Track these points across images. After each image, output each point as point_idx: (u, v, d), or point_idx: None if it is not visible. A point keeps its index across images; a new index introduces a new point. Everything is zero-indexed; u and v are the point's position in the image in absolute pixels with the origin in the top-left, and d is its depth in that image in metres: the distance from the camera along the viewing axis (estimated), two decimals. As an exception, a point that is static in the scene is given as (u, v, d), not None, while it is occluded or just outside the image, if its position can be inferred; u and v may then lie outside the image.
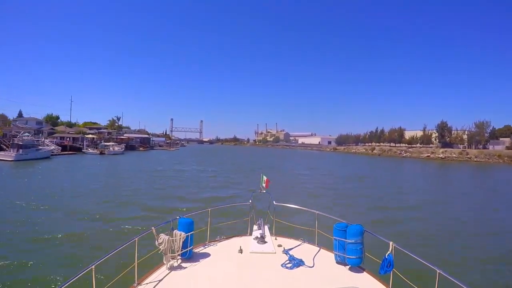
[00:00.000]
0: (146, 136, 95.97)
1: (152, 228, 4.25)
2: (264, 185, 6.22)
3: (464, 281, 3.12)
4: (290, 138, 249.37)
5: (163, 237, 4.28)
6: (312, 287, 3.76)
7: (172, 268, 4.20)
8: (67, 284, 2.92)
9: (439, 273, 3.31)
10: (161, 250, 4.25)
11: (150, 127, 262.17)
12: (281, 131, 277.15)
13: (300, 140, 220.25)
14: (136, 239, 4.03)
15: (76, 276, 3.02)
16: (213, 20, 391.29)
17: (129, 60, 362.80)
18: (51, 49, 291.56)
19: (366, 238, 4.34)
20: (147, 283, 3.78)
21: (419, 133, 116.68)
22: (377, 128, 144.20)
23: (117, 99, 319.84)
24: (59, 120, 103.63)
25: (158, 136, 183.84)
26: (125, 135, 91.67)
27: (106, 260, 3.51)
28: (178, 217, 4.71)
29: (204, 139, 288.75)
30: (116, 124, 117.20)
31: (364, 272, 4.25)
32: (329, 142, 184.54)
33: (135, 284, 3.78)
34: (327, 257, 4.77)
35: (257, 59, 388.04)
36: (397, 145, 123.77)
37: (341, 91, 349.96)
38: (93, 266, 3.24)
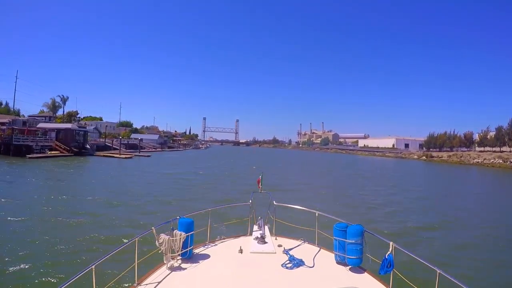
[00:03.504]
0: (74, 127, 50.12)
1: (152, 228, 4.19)
2: (261, 185, 6.23)
3: (464, 281, 3.09)
4: (340, 139, 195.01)
5: (163, 237, 4.23)
6: (312, 287, 3.74)
7: (172, 268, 4.14)
8: (67, 284, 2.87)
9: (439, 273, 3.30)
10: (161, 250, 4.20)
11: (179, 127, 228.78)
12: (328, 131, 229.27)
13: (362, 142, 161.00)
14: (136, 239, 4.00)
15: (76, 276, 2.98)
16: (253, 20, 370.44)
17: (166, 59, 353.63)
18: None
19: (367, 238, 4.32)
20: (147, 283, 3.74)
21: None
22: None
23: (151, 99, 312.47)
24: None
25: (173, 136, 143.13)
26: (40, 124, 48.78)
27: (106, 260, 3.48)
28: (178, 217, 4.64)
29: (240, 141, 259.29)
30: (62, 109, 76.59)
31: (365, 273, 4.23)
32: (407, 145, 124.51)
33: (135, 284, 3.75)
34: (327, 257, 4.73)
35: (300, 60, 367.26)
36: None
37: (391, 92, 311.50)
38: (93, 266, 3.22)
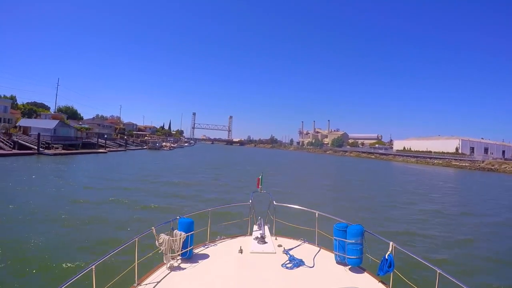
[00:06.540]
0: None
1: (152, 228, 4.16)
2: (261, 185, 6.15)
3: (464, 281, 3.05)
4: (349, 140, 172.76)
5: (163, 237, 4.22)
6: (312, 287, 3.71)
7: (172, 268, 4.13)
8: (67, 284, 2.85)
9: (439, 273, 3.26)
10: (161, 250, 4.19)
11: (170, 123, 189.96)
12: (335, 130, 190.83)
13: (400, 144, 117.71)
14: (136, 239, 3.97)
15: (76, 276, 2.96)
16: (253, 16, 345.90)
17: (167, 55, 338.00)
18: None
19: (367, 238, 4.26)
20: (147, 283, 3.73)
21: None
22: None
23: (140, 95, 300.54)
24: None
25: (137, 130, 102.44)
26: None
27: (106, 260, 3.45)
28: (178, 217, 4.61)
29: (234, 139, 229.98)
30: None
31: (365, 273, 4.19)
32: (486, 150, 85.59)
33: (135, 284, 3.73)
34: (327, 257, 4.71)
35: (300, 59, 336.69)
36: None
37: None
38: (93, 266, 3.20)
